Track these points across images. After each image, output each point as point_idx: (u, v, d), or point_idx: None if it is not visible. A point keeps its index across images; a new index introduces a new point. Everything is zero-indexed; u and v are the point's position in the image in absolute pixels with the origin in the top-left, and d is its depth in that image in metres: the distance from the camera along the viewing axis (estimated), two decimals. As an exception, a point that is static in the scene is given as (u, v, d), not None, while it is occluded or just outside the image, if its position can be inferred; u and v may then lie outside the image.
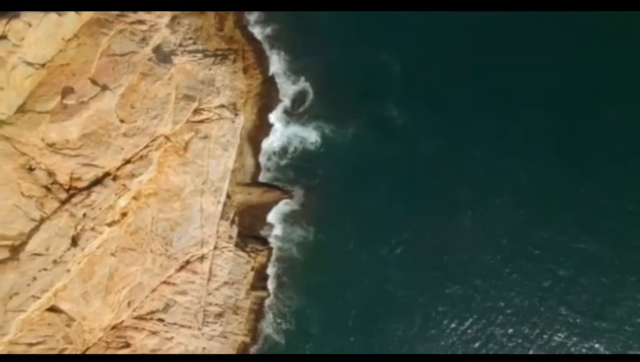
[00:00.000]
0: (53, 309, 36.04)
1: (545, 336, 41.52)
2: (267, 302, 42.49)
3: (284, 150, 44.36)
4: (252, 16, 45.73)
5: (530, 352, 41.38)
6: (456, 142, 43.93)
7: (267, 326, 42.21)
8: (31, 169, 35.82)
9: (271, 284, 42.63)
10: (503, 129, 44.23)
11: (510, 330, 41.62)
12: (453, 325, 41.73)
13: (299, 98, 44.98)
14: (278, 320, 42.20)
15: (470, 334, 41.63)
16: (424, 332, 41.77)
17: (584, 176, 43.34)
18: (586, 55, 44.88)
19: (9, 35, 33.96)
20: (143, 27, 41.00)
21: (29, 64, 35.26)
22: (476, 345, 41.58)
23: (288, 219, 43.51)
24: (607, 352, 40.89)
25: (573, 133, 44.09)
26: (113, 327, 38.30)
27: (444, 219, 42.95)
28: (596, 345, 41.07)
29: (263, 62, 45.15)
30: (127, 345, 38.58)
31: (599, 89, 44.47)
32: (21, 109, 35.87)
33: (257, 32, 45.65)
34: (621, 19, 44.98)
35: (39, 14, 34.34)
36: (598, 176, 43.29)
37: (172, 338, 39.58)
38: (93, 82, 37.98)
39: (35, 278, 34.47)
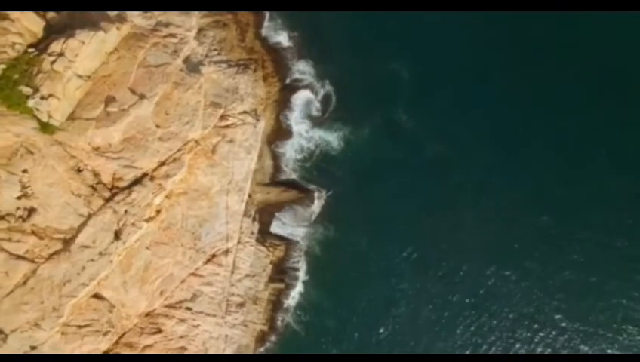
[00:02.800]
0: (97, 296, 37.93)
1: (546, 337, 42.55)
2: (284, 293, 43.58)
3: (298, 152, 45.71)
4: (270, 28, 46.92)
5: (532, 353, 42.24)
6: (461, 146, 44.85)
7: (283, 316, 43.34)
8: (79, 170, 37.91)
9: (288, 277, 43.85)
10: (509, 133, 44.96)
11: (518, 331, 42.69)
12: (460, 325, 42.99)
13: (314, 103, 46.23)
14: (296, 312, 43.34)
15: (477, 333, 42.77)
16: (432, 330, 42.93)
17: (592, 181, 43.76)
18: (603, 61, 44.84)
19: (66, 52, 36.35)
20: (174, 40, 42.64)
21: (80, 76, 37.54)
22: (483, 344, 42.55)
23: (302, 216, 44.66)
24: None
25: (581, 138, 44.48)
26: (147, 314, 39.85)
27: (449, 219, 44.01)
28: (595, 346, 42.15)
29: (280, 70, 46.59)
30: (159, 331, 40.12)
31: (615, 95, 44.55)
32: (71, 117, 38.01)
33: (275, 42, 47.03)
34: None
35: (90, 33, 36.81)
36: (608, 181, 43.66)
37: (198, 325, 41.07)
38: (132, 91, 39.76)
39: (84, 268, 36.59)
